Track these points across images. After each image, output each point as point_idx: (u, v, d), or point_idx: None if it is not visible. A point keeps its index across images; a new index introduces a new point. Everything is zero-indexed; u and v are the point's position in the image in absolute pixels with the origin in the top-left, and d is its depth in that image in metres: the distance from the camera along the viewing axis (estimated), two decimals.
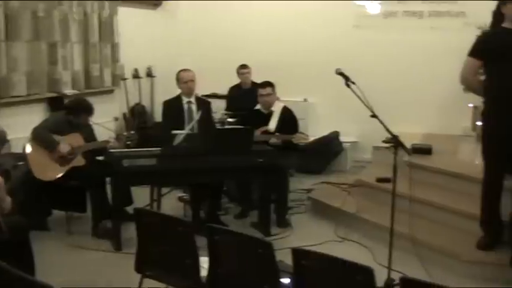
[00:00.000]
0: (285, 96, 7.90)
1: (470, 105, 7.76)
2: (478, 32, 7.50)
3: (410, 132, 7.51)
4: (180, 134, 5.56)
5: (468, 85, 5.03)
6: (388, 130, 4.36)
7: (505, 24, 4.63)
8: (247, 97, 7.26)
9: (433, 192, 5.83)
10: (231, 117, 7.21)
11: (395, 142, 4.34)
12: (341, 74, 4.48)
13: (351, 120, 8.31)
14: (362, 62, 8.04)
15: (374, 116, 4.37)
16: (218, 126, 6.86)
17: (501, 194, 4.79)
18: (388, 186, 5.98)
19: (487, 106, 4.80)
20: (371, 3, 8.74)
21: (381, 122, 4.34)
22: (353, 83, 4.40)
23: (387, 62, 8.47)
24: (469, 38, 7.63)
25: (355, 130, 8.68)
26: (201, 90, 7.08)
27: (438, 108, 8.25)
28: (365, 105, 4.32)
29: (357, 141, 8.82)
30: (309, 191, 7.12)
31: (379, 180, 6.33)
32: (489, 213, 4.86)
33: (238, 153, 5.36)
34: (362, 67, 7.35)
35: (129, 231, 4.90)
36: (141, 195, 5.99)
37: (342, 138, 8.69)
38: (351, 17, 8.74)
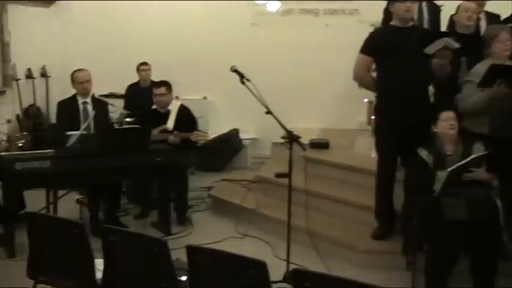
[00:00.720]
0: (185, 95, 7.87)
1: (365, 100, 7.97)
2: (371, 29, 7.76)
3: (309, 128, 7.67)
4: (74, 134, 5.40)
5: (361, 81, 5.17)
6: (282, 126, 4.42)
7: (394, 22, 4.79)
8: (145, 96, 7.13)
9: (330, 186, 5.96)
10: (128, 117, 7.07)
11: (290, 138, 4.38)
12: (236, 71, 4.49)
13: (250, 117, 8.30)
14: (260, 60, 8.13)
15: (269, 112, 4.41)
16: (116, 126, 6.70)
17: (394, 186, 4.94)
18: (287, 181, 6.09)
19: (378, 101, 4.96)
20: (269, 1, 8.80)
21: (276, 118, 4.39)
22: (248, 80, 4.42)
23: (285, 59, 8.58)
24: (363, 35, 7.82)
25: (254, 127, 8.73)
26: (98, 90, 6.92)
27: (335, 104, 8.43)
28: (260, 102, 4.35)
29: (256, 138, 8.87)
30: (209, 188, 7.10)
31: (278, 175, 6.35)
32: (383, 204, 5.02)
33: (136, 153, 5.27)
34: (260, 65, 7.45)
35: (24, 237, 4.70)
36: (37, 199, 5.76)
37: (242, 135, 8.72)
38: (248, 15, 8.78)
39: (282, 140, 7.23)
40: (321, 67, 8.44)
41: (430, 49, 4.47)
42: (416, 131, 4.51)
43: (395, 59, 4.61)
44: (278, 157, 7.25)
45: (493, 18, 5.68)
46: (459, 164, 4.05)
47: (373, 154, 6.74)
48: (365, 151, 7.16)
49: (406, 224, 4.59)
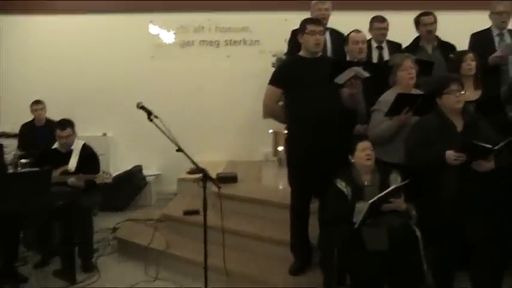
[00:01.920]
0: (83, 132, 7.50)
1: (270, 131, 7.98)
2: (274, 59, 7.81)
3: (214, 161, 7.53)
4: None
5: (271, 113, 5.07)
6: (194, 164, 4.23)
7: (302, 53, 4.74)
8: (41, 135, 6.75)
9: (242, 221, 5.81)
10: (23, 158, 6.63)
11: (204, 175, 4.20)
12: (143, 108, 4.26)
13: (153, 152, 8.20)
14: (161, 94, 7.98)
15: (180, 150, 4.21)
16: (10, 168, 6.27)
17: (308, 218, 4.85)
18: (196, 218, 5.92)
19: (289, 133, 4.86)
20: (166, 33, 8.63)
21: (188, 157, 4.20)
22: (156, 117, 4.20)
23: (187, 92, 8.46)
24: (265, 64, 7.95)
25: (157, 162, 8.51)
26: None
27: (240, 135, 8.37)
28: (170, 139, 4.14)
29: (160, 174, 8.62)
30: (114, 230, 6.79)
31: (187, 213, 6.21)
32: (299, 237, 4.91)
33: (35, 197, 4.90)
34: (161, 99, 7.22)
35: None
36: None
37: (145, 172, 8.45)
38: (148, 48, 8.58)
39: (190, 176, 7.18)
40: (224, 99, 8.39)
41: (340, 79, 4.44)
42: (329, 162, 4.46)
43: (305, 90, 4.56)
44: (185, 193, 7.12)
45: (394, 46, 5.77)
46: (380, 195, 4.02)
47: (281, 186, 6.74)
48: (273, 183, 7.13)
49: (325, 257, 4.49)
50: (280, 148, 7.84)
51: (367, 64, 4.91)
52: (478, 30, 5.72)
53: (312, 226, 4.89)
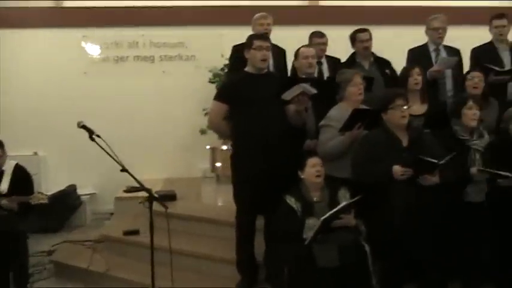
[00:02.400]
0: (13, 151, 7.21)
1: (208, 147, 7.92)
2: (210, 75, 7.78)
3: (152, 179, 7.37)
4: None
5: (216, 129, 5.01)
6: (140, 184, 4.09)
7: (248, 69, 4.69)
8: None
9: (184, 240, 5.66)
10: None
11: (150, 196, 4.09)
12: (84, 127, 4.10)
13: (87, 171, 7.98)
14: (95, 110, 7.73)
15: (124, 170, 4.08)
16: None
17: (255, 235, 4.80)
18: (137, 239, 5.77)
19: (235, 149, 4.80)
20: (98, 48, 8.45)
21: (132, 176, 4.05)
22: (98, 136, 4.06)
23: (122, 108, 8.30)
24: (202, 80, 7.90)
25: (92, 181, 8.29)
26: None
27: (177, 152, 8.28)
28: (114, 159, 4.01)
29: (95, 193, 8.38)
30: (49, 252, 6.54)
31: (127, 233, 6.05)
32: (245, 255, 4.83)
33: None
34: (96, 115, 6.99)
35: None
36: None
37: (80, 191, 8.21)
38: (80, 64, 8.36)
39: (126, 194, 7.02)
40: (160, 115, 8.30)
41: (287, 95, 4.42)
42: (277, 178, 4.43)
43: (252, 106, 4.50)
44: (123, 212, 6.94)
45: (334, 61, 5.82)
46: (332, 211, 4.02)
47: (221, 203, 6.68)
48: (212, 200, 7.08)
49: (273, 274, 4.45)
50: (218, 164, 7.79)
51: (314, 80, 4.92)
52: (413, 45, 5.85)
53: (257, 243, 4.83)
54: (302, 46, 5.37)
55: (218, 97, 4.74)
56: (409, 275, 4.30)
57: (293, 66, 5.59)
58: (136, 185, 4.13)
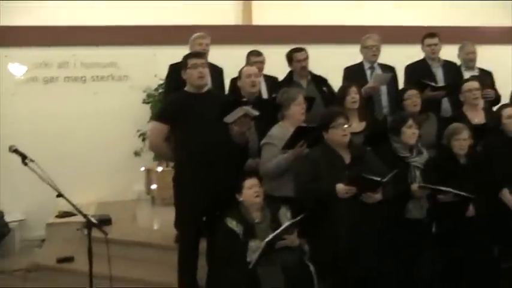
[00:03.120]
0: None
1: (142, 168, 7.76)
2: (144, 95, 7.65)
3: (84, 203, 7.11)
4: None
5: (157, 150, 4.89)
6: (78, 210, 3.93)
7: (188, 88, 4.60)
8: None
9: (121, 266, 5.46)
10: None
11: (88, 221, 3.92)
12: (16, 151, 3.90)
13: (15, 196, 7.59)
14: (25, 133, 7.45)
15: (60, 195, 3.91)
16: None
17: (198, 259, 4.67)
18: (71, 266, 5.56)
19: (177, 170, 4.67)
20: (25, 69, 8.13)
21: (69, 202, 3.89)
22: (32, 160, 3.86)
23: (52, 130, 7.98)
24: (136, 100, 7.76)
25: (20, 207, 7.89)
26: None
27: (111, 174, 8.03)
28: (49, 184, 3.83)
29: (24, 219, 8.00)
30: None
31: (60, 260, 5.81)
32: (188, 279, 4.68)
33: None
34: (26, 138, 6.70)
35: None
36: None
37: (7, 218, 7.80)
38: (6, 85, 8.01)
39: (58, 220, 6.76)
40: (92, 136, 8.06)
41: (230, 118, 4.34)
42: (220, 200, 4.36)
43: (193, 126, 4.41)
44: (54, 239, 6.71)
45: (272, 80, 5.80)
46: (275, 233, 3.98)
47: (156, 226, 6.54)
48: (148, 223, 6.93)
49: None
50: (154, 186, 7.64)
51: (256, 102, 4.88)
52: (350, 63, 5.93)
53: (199, 266, 4.69)
54: (245, 65, 5.38)
55: (158, 117, 4.62)
56: None
57: (233, 84, 5.54)
58: (70, 210, 3.96)
